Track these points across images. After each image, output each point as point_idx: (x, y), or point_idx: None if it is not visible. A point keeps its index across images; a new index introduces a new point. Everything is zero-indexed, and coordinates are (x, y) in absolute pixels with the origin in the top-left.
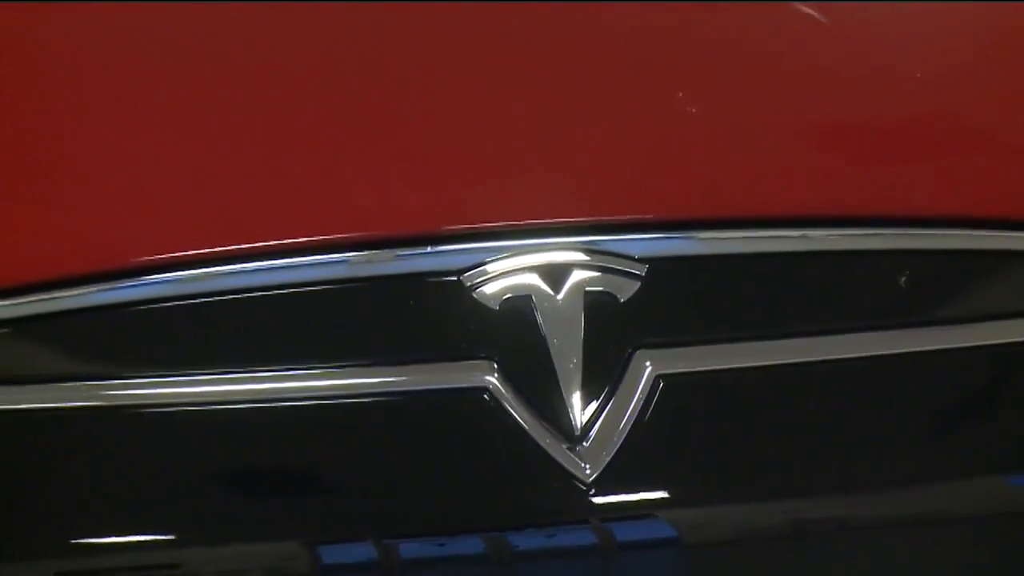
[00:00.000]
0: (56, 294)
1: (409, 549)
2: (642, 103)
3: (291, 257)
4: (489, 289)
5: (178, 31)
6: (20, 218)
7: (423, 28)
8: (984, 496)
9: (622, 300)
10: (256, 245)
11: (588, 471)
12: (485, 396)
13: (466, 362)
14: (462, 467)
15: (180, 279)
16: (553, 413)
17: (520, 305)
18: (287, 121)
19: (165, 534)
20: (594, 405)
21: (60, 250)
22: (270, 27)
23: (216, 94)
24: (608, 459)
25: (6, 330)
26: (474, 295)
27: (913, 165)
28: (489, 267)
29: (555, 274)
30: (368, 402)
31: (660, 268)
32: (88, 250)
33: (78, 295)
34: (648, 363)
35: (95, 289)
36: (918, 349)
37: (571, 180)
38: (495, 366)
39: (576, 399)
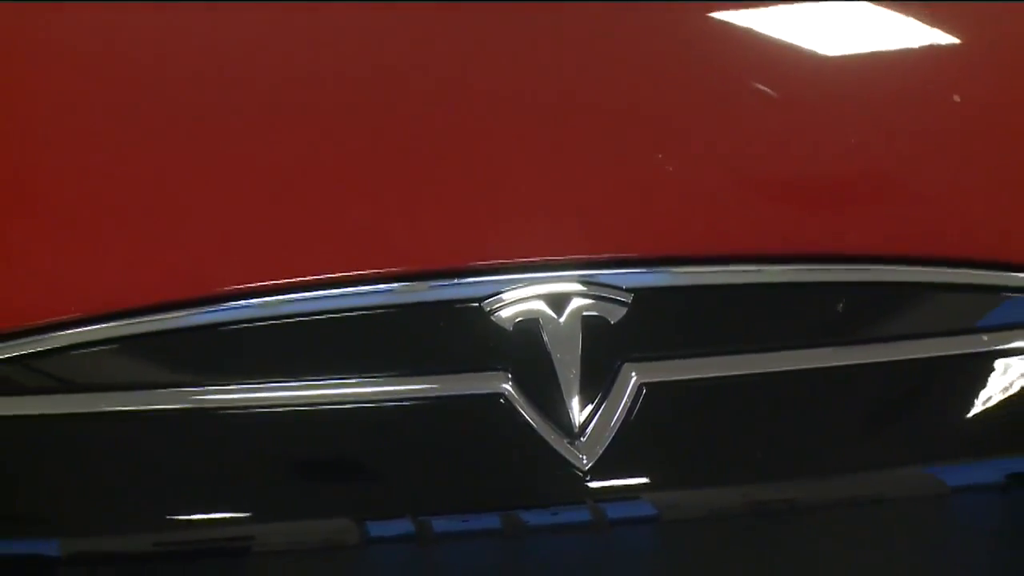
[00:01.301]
0: (156, 317)
1: (439, 524)
2: (629, 160)
3: (344, 287)
4: (504, 313)
5: (229, 78)
6: (132, 253)
7: (445, 91)
8: (907, 482)
9: (612, 323)
10: (315, 278)
11: (584, 461)
12: (501, 400)
13: (485, 373)
14: (481, 458)
15: (254, 305)
16: (556, 414)
17: (529, 327)
18: (336, 172)
19: (240, 511)
20: (589, 408)
21: (159, 280)
22: (310, 80)
23: (273, 150)
24: (601, 452)
25: (115, 346)
26: (492, 318)
27: (849, 213)
28: (504, 296)
29: (558, 301)
30: (405, 405)
31: (643, 297)
32: (183, 280)
33: (175, 318)
34: (633, 374)
35: (187, 313)
36: (854, 362)
37: (571, 225)
38: (509, 376)
39: (575, 403)
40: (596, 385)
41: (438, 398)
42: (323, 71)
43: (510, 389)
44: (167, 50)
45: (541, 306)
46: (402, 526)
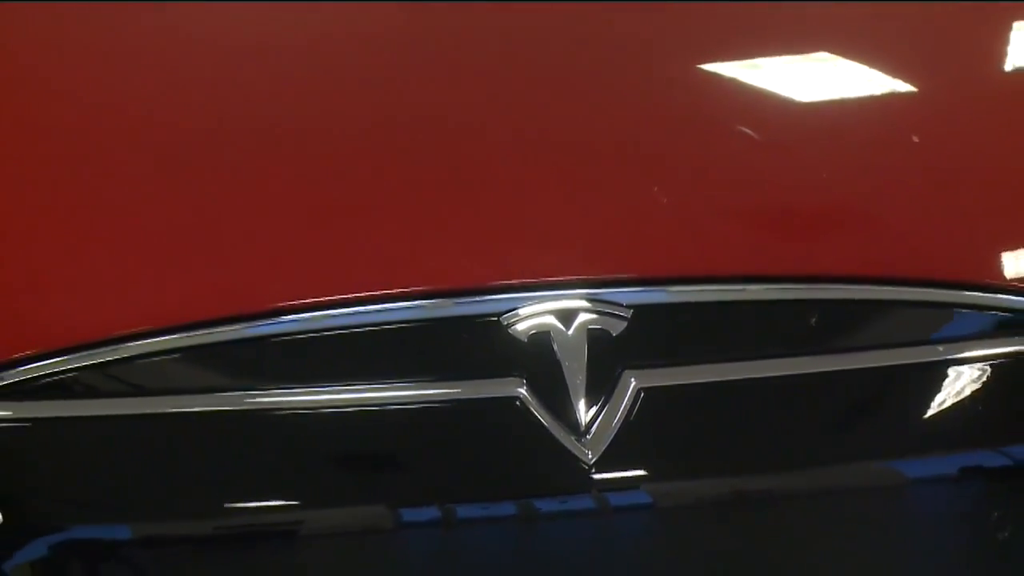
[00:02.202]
0: (215, 330)
1: (463, 510)
2: (628, 193)
3: (379, 304)
4: (520, 327)
5: (278, 116)
6: (195, 274)
7: (472, 130)
8: (872, 473)
9: (614, 335)
10: (354, 295)
11: (590, 456)
12: (517, 402)
13: (503, 379)
14: (499, 453)
15: (301, 319)
16: (565, 415)
17: (541, 338)
18: (373, 203)
19: (288, 500)
20: (594, 409)
21: (219, 297)
22: (351, 118)
23: (316, 182)
24: (604, 448)
25: (179, 355)
26: (508, 331)
27: (822, 239)
28: (520, 311)
29: (566, 316)
30: (432, 407)
31: (641, 312)
32: (239, 298)
33: (232, 330)
34: (633, 379)
35: (243, 326)
36: (827, 370)
37: (578, 249)
38: (524, 381)
39: (581, 405)
40: (600, 389)
41: (461, 400)
42: (363, 110)
43: (524, 393)
44: (218, 87)
45: (552, 320)
46: (430, 512)
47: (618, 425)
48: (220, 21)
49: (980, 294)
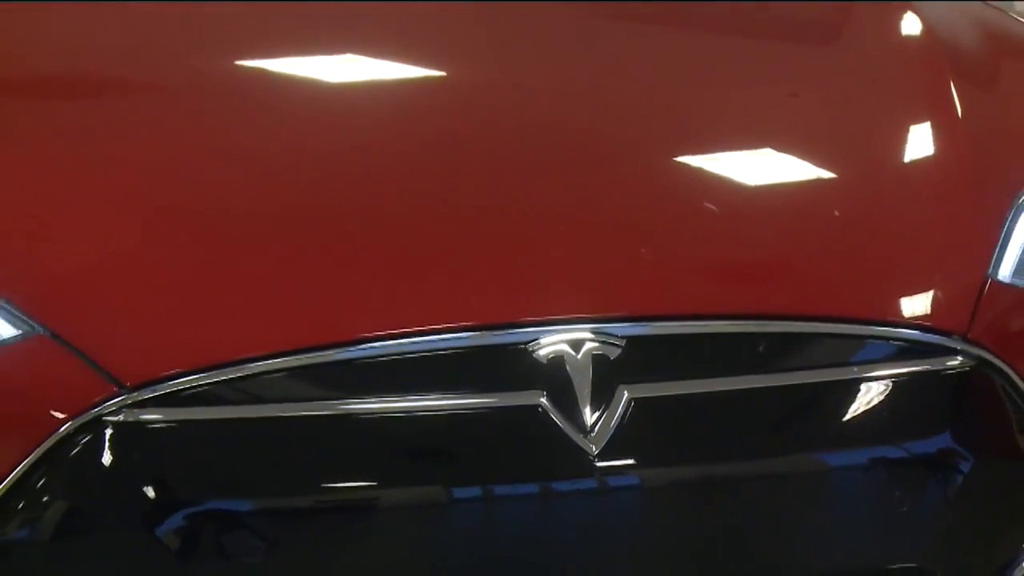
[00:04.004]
0: (312, 354)
1: (498, 489)
2: (621, 252)
3: (431, 335)
4: (541, 352)
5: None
6: (296, 311)
7: (501, 199)
8: (806, 462)
9: (611, 359)
10: (417, 328)
11: (594, 449)
12: (539, 409)
13: (527, 391)
14: (526, 446)
15: (373, 347)
16: (575, 418)
17: (557, 361)
18: (431, 257)
19: (365, 481)
20: (596, 414)
21: (314, 328)
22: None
23: (375, 242)
24: (604, 443)
25: (284, 373)
26: (533, 356)
27: (768, 288)
28: (541, 341)
29: (576, 344)
30: (475, 412)
31: (632, 342)
32: (329, 329)
33: (324, 355)
34: (625, 392)
35: (334, 352)
36: (772, 384)
37: (584, 296)
38: (544, 393)
39: (587, 411)
40: (601, 399)
41: (497, 407)
42: (422, 189)
43: (544, 402)
44: (306, 169)
45: (565, 348)
46: (473, 491)
47: (615, 426)
48: (300, 96)
49: (885, 328)
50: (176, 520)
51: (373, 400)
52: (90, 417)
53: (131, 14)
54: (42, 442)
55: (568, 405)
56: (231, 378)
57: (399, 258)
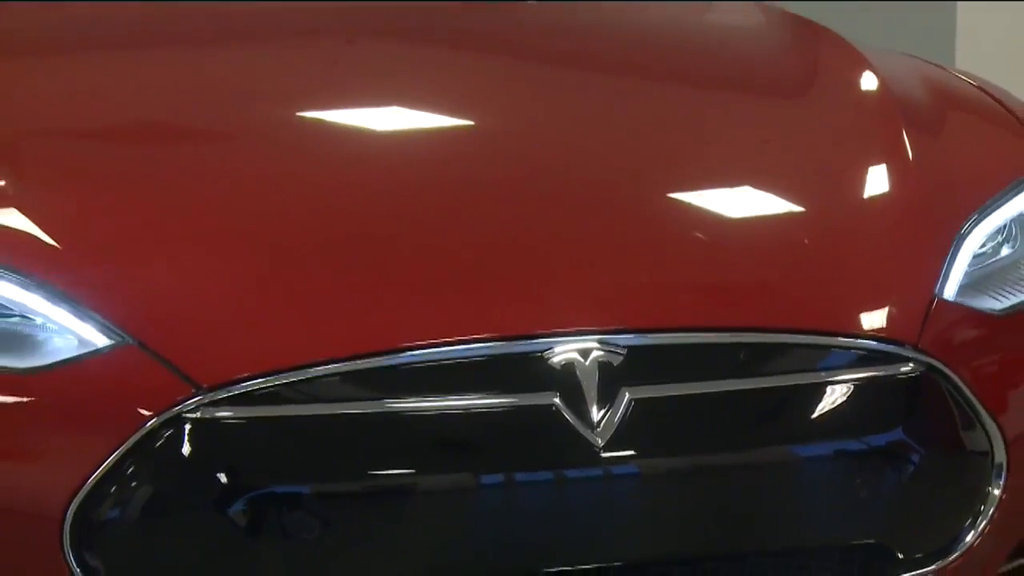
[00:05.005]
0: (362, 361)
1: (518, 476)
2: (622, 275)
3: (459, 345)
4: (554, 360)
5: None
6: (348, 324)
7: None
8: (777, 453)
9: (615, 365)
10: (449, 339)
11: (600, 442)
12: (553, 408)
13: (543, 392)
14: (540, 441)
15: (417, 354)
16: (584, 416)
17: (568, 367)
18: (460, 280)
19: (402, 468)
20: (602, 412)
21: (364, 339)
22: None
23: (412, 267)
24: (608, 437)
25: (338, 377)
26: (548, 362)
27: (748, 305)
28: (555, 350)
29: (584, 353)
30: (498, 410)
31: (632, 351)
32: (376, 339)
33: (372, 361)
34: (627, 393)
35: (380, 359)
36: (752, 387)
37: (592, 311)
38: (557, 394)
39: (595, 409)
40: (606, 399)
41: (517, 407)
42: (456, 223)
43: (558, 402)
44: (359, 194)
45: (575, 355)
46: (497, 478)
47: (618, 422)
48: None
49: (847, 339)
50: (244, 502)
51: (412, 400)
52: (172, 414)
53: (194, 68)
54: (131, 436)
55: (578, 405)
56: (293, 381)
57: (436, 279)
